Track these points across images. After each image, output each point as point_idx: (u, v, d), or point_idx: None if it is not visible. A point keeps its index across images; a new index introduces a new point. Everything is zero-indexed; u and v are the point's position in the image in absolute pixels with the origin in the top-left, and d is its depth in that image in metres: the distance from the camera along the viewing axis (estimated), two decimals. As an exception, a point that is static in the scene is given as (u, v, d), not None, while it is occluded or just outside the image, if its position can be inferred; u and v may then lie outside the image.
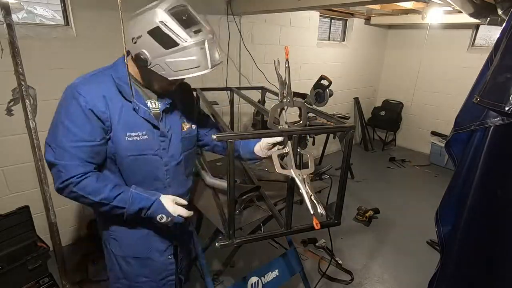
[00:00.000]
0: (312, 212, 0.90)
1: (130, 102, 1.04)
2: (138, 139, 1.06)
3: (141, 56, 0.95)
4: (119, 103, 1.03)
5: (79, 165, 0.99)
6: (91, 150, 1.00)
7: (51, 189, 1.62)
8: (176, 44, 0.91)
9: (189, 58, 0.93)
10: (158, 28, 0.90)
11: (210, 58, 0.96)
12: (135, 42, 0.95)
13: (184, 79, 1.00)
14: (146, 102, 1.09)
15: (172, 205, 1.10)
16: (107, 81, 1.03)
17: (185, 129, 1.19)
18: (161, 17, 0.90)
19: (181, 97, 1.20)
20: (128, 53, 1.02)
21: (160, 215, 1.08)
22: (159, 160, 1.12)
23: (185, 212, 1.13)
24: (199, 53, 0.93)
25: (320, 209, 0.90)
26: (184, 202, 1.16)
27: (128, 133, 1.04)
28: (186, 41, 0.91)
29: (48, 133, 1.01)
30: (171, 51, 0.92)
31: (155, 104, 1.11)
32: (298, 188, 0.94)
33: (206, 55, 0.95)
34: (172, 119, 1.16)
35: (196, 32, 0.94)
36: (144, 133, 1.07)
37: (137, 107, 1.05)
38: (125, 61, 0.98)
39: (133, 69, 1.06)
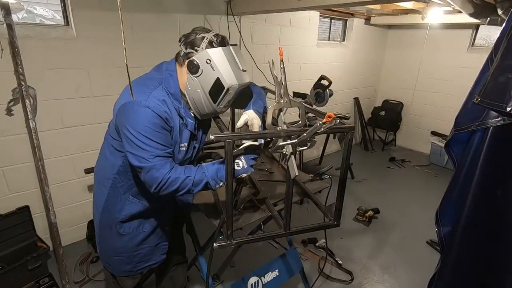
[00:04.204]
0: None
1: (182, 118, 1.16)
2: (184, 149, 1.22)
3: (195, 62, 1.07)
4: (177, 119, 1.15)
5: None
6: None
7: (51, 189, 1.62)
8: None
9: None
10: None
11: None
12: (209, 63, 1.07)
13: None
14: (192, 114, 1.21)
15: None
16: (165, 95, 1.12)
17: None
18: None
19: None
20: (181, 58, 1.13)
21: (236, 162, 1.15)
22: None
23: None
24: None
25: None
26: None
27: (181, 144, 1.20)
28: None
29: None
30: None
31: (193, 114, 1.22)
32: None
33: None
34: (202, 124, 1.31)
35: None
36: (185, 144, 1.22)
37: (186, 122, 1.18)
38: (125, 61, 0.97)
39: (181, 78, 1.15)
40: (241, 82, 1.11)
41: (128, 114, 1.06)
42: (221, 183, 1.13)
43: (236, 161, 1.12)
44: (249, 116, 1.24)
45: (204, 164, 1.16)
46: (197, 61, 1.07)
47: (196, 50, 1.07)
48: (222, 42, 1.10)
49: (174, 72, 1.14)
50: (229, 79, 1.07)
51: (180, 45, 1.13)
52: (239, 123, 1.24)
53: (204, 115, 1.20)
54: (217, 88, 1.09)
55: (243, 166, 1.13)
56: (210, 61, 1.06)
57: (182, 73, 1.13)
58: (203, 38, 1.08)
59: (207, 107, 1.15)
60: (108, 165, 1.24)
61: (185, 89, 1.14)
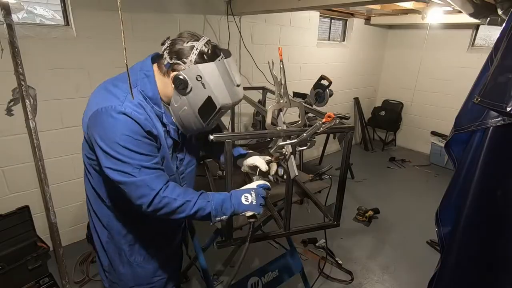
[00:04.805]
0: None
1: (165, 125, 1.01)
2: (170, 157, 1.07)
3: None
4: (159, 125, 1.00)
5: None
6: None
7: (51, 189, 1.62)
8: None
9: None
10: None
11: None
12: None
13: None
14: (174, 121, 1.03)
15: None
16: (141, 99, 0.96)
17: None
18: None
19: None
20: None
21: (244, 195, 1.04)
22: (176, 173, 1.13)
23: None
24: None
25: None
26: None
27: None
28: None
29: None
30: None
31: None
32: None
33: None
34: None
35: None
36: (170, 151, 1.07)
37: (169, 129, 1.02)
38: (125, 61, 0.93)
39: (162, 86, 0.98)
40: (235, 100, 0.98)
41: (101, 123, 0.90)
42: (223, 217, 1.01)
43: (245, 194, 1.03)
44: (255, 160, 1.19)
45: (209, 192, 1.04)
46: (185, 77, 0.90)
47: (184, 62, 0.91)
48: (214, 52, 0.93)
49: (150, 72, 0.97)
50: (223, 98, 0.94)
51: (163, 51, 0.95)
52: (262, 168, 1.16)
53: (190, 131, 1.05)
54: (208, 107, 0.95)
55: (251, 202, 1.03)
56: (201, 77, 0.90)
57: (165, 83, 0.97)
58: (192, 48, 0.91)
59: (195, 124, 1.00)
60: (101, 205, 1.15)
61: (169, 103, 0.99)
